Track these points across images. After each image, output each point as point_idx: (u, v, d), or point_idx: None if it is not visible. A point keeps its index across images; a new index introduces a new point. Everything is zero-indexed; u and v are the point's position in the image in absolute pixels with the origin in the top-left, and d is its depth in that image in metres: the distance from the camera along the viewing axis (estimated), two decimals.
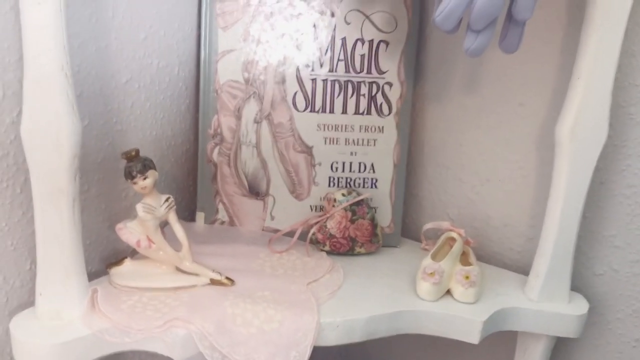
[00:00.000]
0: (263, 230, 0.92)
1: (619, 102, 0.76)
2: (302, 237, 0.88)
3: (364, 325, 0.71)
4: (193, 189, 0.96)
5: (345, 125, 0.91)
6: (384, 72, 0.90)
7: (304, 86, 0.89)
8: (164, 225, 0.75)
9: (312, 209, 0.93)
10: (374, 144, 0.92)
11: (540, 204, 0.85)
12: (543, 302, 0.78)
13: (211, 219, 0.92)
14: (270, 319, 0.68)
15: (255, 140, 0.90)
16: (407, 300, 0.76)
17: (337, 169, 0.92)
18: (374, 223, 0.88)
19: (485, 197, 0.92)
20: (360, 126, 0.91)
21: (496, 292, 0.80)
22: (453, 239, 0.84)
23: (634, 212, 0.79)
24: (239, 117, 0.89)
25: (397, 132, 0.92)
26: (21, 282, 0.70)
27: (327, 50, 0.88)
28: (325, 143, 0.91)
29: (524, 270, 0.88)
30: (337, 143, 0.91)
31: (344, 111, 0.90)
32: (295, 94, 0.89)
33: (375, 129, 0.92)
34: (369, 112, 0.91)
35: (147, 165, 0.69)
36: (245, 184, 0.91)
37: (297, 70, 0.88)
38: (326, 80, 0.89)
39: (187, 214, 0.96)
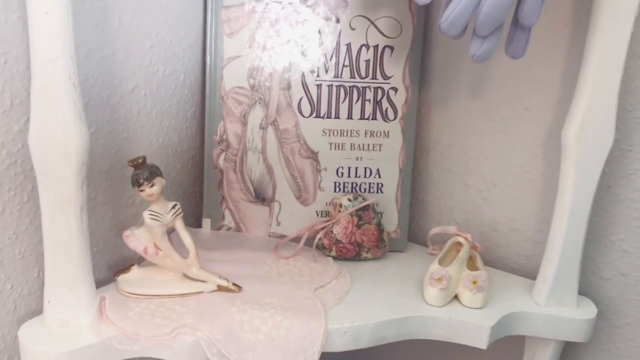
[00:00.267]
0: (269, 236, 0.92)
1: (625, 105, 0.76)
2: (309, 242, 0.88)
3: (372, 331, 0.71)
4: (199, 195, 0.96)
5: (351, 131, 0.91)
6: (389, 77, 0.90)
7: (309, 92, 0.89)
8: (170, 231, 0.75)
9: (318, 215, 0.93)
10: (380, 149, 0.92)
11: (547, 208, 0.85)
12: (551, 306, 0.78)
13: (217, 225, 0.92)
14: (278, 326, 0.68)
15: (261, 146, 0.90)
16: (414, 305, 0.76)
17: (342, 174, 0.92)
18: (380, 228, 0.88)
19: (492, 202, 0.92)
20: (365, 131, 0.91)
21: (504, 297, 0.79)
22: (460, 244, 0.84)
23: None
24: (244, 123, 0.89)
25: (403, 137, 0.92)
26: (29, 290, 0.70)
27: (332, 56, 0.88)
28: (331, 148, 0.91)
29: (531, 274, 0.87)
30: (342, 148, 0.91)
31: (350, 116, 0.90)
32: (301, 99, 0.89)
33: (380, 134, 0.92)
34: (374, 117, 0.91)
35: (153, 172, 0.69)
36: (251, 189, 0.91)
37: (303, 76, 0.88)
38: (331, 85, 0.89)
39: (193, 220, 0.96)
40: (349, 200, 0.87)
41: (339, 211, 0.87)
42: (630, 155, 0.77)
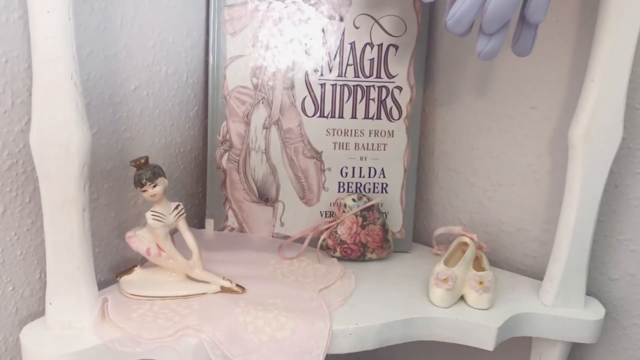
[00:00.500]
0: (273, 236, 0.92)
1: (633, 103, 0.75)
2: (313, 243, 0.87)
3: (377, 332, 0.71)
4: (202, 196, 0.95)
5: (355, 130, 0.90)
6: (393, 76, 0.89)
7: (312, 91, 0.88)
8: (173, 232, 0.74)
9: (322, 215, 0.92)
10: (384, 149, 0.91)
11: (553, 208, 0.84)
12: (558, 307, 0.77)
13: (221, 226, 0.91)
14: (282, 327, 0.67)
15: (265, 146, 0.89)
16: (420, 306, 0.75)
17: (347, 174, 0.92)
18: (384, 228, 0.87)
19: (498, 202, 0.91)
20: (370, 131, 0.90)
21: (510, 298, 0.79)
22: (465, 244, 0.83)
23: None
24: (247, 123, 0.88)
25: (407, 137, 0.91)
26: (31, 292, 0.70)
27: (336, 54, 0.88)
28: (335, 148, 0.90)
29: (538, 275, 0.87)
30: (346, 148, 0.91)
31: (354, 116, 0.90)
32: (304, 99, 0.88)
33: (385, 133, 0.91)
34: (378, 117, 0.90)
35: (156, 172, 0.69)
36: (255, 190, 0.91)
37: (306, 75, 0.88)
38: (335, 85, 0.88)
39: (196, 221, 0.95)
40: (354, 200, 0.87)
41: (344, 211, 0.86)
42: (638, 154, 0.76)
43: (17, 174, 0.65)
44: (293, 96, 0.88)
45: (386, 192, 0.93)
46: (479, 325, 0.72)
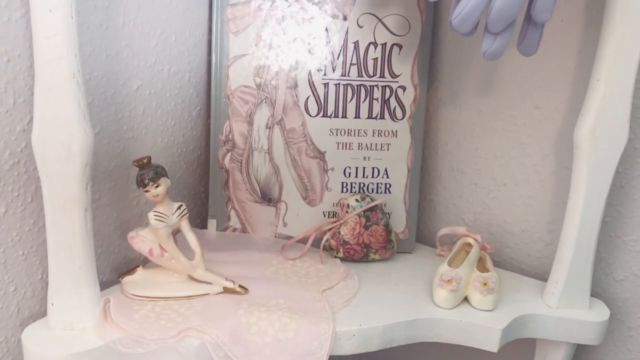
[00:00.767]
0: (275, 237, 0.91)
1: (639, 104, 0.74)
2: (316, 243, 0.87)
3: (381, 333, 0.70)
4: (205, 196, 0.95)
5: (358, 130, 0.90)
6: (397, 76, 0.89)
7: (316, 91, 0.88)
8: (176, 232, 0.74)
9: (325, 215, 0.92)
10: (388, 149, 0.91)
11: (558, 208, 0.83)
12: (563, 308, 0.76)
13: (223, 226, 0.91)
14: (285, 328, 0.67)
15: (267, 145, 0.89)
16: (423, 307, 0.75)
17: (350, 174, 0.91)
18: (388, 229, 0.87)
19: (502, 202, 0.90)
20: (373, 131, 0.90)
21: (514, 299, 0.78)
22: (469, 245, 0.83)
23: None
24: (250, 123, 0.88)
25: (411, 137, 0.91)
26: (32, 292, 0.70)
27: (339, 54, 0.87)
28: (338, 148, 0.90)
29: (542, 276, 0.86)
30: (350, 148, 0.90)
31: (357, 116, 0.89)
32: (308, 98, 0.88)
33: (388, 133, 0.90)
34: (382, 117, 0.90)
35: (159, 172, 0.69)
36: (257, 190, 0.90)
37: (309, 74, 0.87)
38: (339, 84, 0.88)
39: (198, 221, 0.95)
40: (357, 200, 0.86)
41: (347, 212, 0.86)
42: None
43: (19, 174, 0.65)
44: (296, 96, 0.88)
45: (389, 192, 0.92)
46: (483, 326, 0.72)
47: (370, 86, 0.88)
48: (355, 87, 0.88)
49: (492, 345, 0.72)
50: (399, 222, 0.93)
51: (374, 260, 0.88)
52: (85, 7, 0.67)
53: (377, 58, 0.88)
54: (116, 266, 0.80)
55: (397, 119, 0.90)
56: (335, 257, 0.87)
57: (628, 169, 0.77)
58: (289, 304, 0.72)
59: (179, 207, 0.72)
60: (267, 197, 0.90)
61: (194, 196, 0.94)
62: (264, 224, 0.91)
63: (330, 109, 0.89)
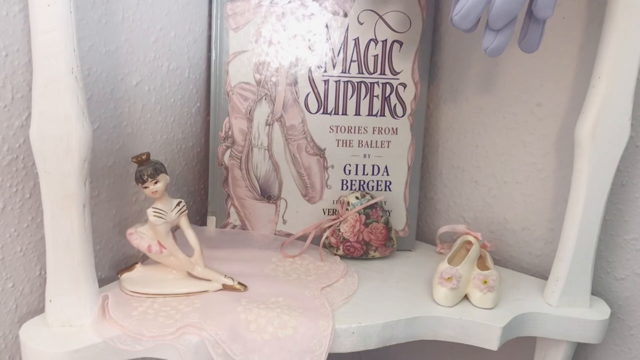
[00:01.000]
0: (275, 234, 0.91)
1: None
2: (315, 241, 0.87)
3: (380, 331, 0.70)
4: (204, 193, 0.95)
5: (359, 127, 0.89)
6: (397, 73, 0.88)
7: (316, 87, 0.87)
8: (175, 229, 0.74)
9: (325, 213, 0.91)
10: (388, 146, 0.90)
11: (559, 206, 0.83)
12: (563, 307, 0.76)
13: (223, 223, 0.91)
14: (285, 325, 0.67)
15: (267, 142, 0.88)
16: (423, 305, 0.74)
17: (350, 171, 0.91)
18: (388, 226, 0.87)
19: (502, 200, 0.90)
20: (373, 128, 0.90)
21: (514, 297, 0.78)
22: (470, 243, 0.83)
23: None
24: (250, 120, 0.87)
25: (412, 134, 0.90)
26: (31, 289, 0.69)
27: (339, 50, 0.87)
28: (338, 145, 0.90)
29: (542, 274, 0.86)
30: (350, 145, 0.90)
31: (357, 113, 0.89)
32: (308, 95, 0.87)
33: (389, 130, 0.90)
34: (382, 114, 0.89)
35: (158, 169, 0.68)
36: (257, 187, 0.90)
37: (309, 71, 0.87)
38: (339, 81, 0.88)
39: (198, 218, 0.95)
40: (357, 198, 0.86)
41: (347, 209, 0.86)
42: None
43: (17, 170, 0.65)
44: (296, 92, 0.87)
45: (390, 190, 0.92)
46: (483, 324, 0.72)
47: (370, 83, 0.88)
48: (356, 84, 0.88)
49: (492, 343, 0.72)
50: (399, 220, 0.92)
51: (373, 258, 0.88)
52: (84, 2, 0.67)
53: (377, 55, 0.88)
54: (115, 263, 0.79)
55: (398, 116, 0.90)
56: (335, 254, 0.87)
57: (629, 167, 0.77)
58: (288, 302, 0.71)
59: (178, 204, 0.72)
60: (267, 194, 0.90)
61: (193, 193, 0.93)
62: (263, 221, 0.91)
63: (331, 106, 0.88)
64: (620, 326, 0.82)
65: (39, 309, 0.69)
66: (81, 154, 0.59)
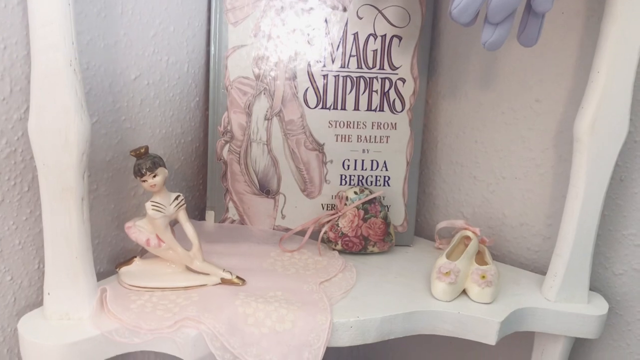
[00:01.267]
0: (274, 229, 0.91)
1: (639, 97, 0.74)
2: (314, 236, 0.87)
3: (378, 325, 0.70)
4: (203, 187, 0.95)
5: (357, 122, 0.89)
6: (396, 68, 0.88)
7: (315, 82, 0.87)
8: (173, 224, 0.74)
9: (323, 208, 0.91)
10: (387, 141, 0.90)
11: (557, 202, 0.83)
12: (561, 302, 0.76)
13: (221, 218, 0.91)
14: (283, 319, 0.67)
15: (266, 137, 0.88)
16: (422, 300, 0.74)
17: (349, 166, 0.91)
18: (386, 221, 0.87)
19: (501, 196, 0.90)
20: (372, 123, 0.90)
21: (513, 292, 0.78)
22: (468, 238, 0.83)
23: None
24: (249, 114, 0.87)
25: (410, 129, 0.90)
26: (29, 282, 0.69)
27: (339, 45, 0.87)
28: (337, 140, 0.90)
29: (541, 270, 0.86)
30: (349, 140, 0.90)
31: (356, 108, 0.89)
32: (307, 90, 0.87)
33: (387, 125, 0.90)
34: (381, 109, 0.89)
35: (156, 162, 0.68)
36: (256, 182, 0.90)
37: (309, 65, 0.87)
38: (338, 76, 0.88)
39: (196, 213, 0.95)
40: (355, 193, 0.86)
41: (345, 204, 0.86)
42: None
43: (15, 163, 0.65)
44: (295, 87, 0.87)
45: (388, 185, 0.92)
46: (481, 319, 0.72)
47: (369, 78, 0.88)
48: (355, 78, 0.88)
49: (490, 338, 0.72)
50: (398, 215, 0.92)
51: (372, 253, 0.88)
52: None
53: (376, 50, 0.88)
54: (113, 257, 0.79)
55: (397, 112, 0.90)
56: (334, 249, 0.87)
57: (628, 162, 0.77)
58: (287, 296, 0.71)
59: (177, 198, 0.71)
60: (266, 189, 0.90)
61: (192, 188, 0.93)
62: (262, 216, 0.91)
63: (330, 100, 0.88)
64: (618, 321, 0.82)
65: (38, 302, 0.69)
66: (79, 147, 0.59)
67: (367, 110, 0.89)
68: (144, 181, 0.68)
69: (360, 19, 0.86)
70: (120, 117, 0.76)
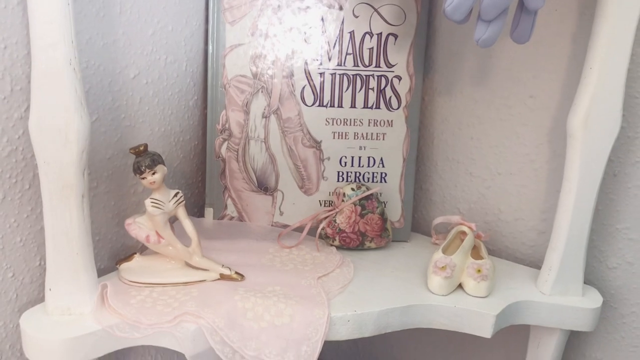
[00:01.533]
0: (272, 225, 0.92)
1: (632, 92, 0.75)
2: (312, 232, 0.87)
3: (375, 319, 0.71)
4: (201, 185, 0.96)
5: (354, 120, 0.90)
6: (392, 66, 0.89)
7: (312, 80, 0.88)
8: (173, 221, 0.74)
9: (321, 204, 0.92)
10: (383, 138, 0.91)
11: (552, 197, 0.84)
12: (556, 295, 0.77)
13: (220, 215, 0.92)
14: (281, 313, 0.68)
15: (264, 135, 0.89)
16: (418, 294, 0.75)
17: (346, 163, 0.92)
18: (383, 217, 0.88)
19: (496, 191, 0.91)
20: (369, 120, 0.90)
21: (508, 286, 0.79)
22: (464, 233, 0.84)
23: None
24: (247, 112, 0.88)
25: (407, 126, 0.91)
26: (31, 278, 0.70)
27: (335, 43, 0.88)
28: (334, 137, 0.90)
29: (536, 264, 0.87)
30: (346, 137, 0.91)
31: (353, 105, 0.90)
32: (304, 88, 0.88)
33: (384, 123, 0.91)
34: (378, 106, 0.90)
35: (155, 160, 0.69)
36: (254, 179, 0.91)
37: (305, 64, 0.88)
38: (334, 74, 0.88)
39: (195, 210, 0.96)
40: (353, 189, 0.87)
41: (343, 200, 0.87)
42: (636, 142, 0.76)
43: (16, 161, 0.65)
44: (292, 85, 0.88)
45: (385, 181, 0.93)
46: (477, 312, 0.73)
47: (366, 76, 0.89)
48: (351, 76, 0.89)
49: (486, 331, 0.73)
50: (395, 211, 0.93)
51: (369, 249, 0.89)
52: None
53: (372, 48, 0.88)
54: (113, 254, 0.80)
55: (393, 109, 0.91)
56: (331, 245, 0.88)
57: (621, 157, 0.78)
58: (285, 291, 0.72)
59: (176, 194, 0.72)
60: (264, 186, 0.91)
61: (191, 185, 0.94)
62: (260, 212, 0.92)
63: (326, 98, 0.89)
64: (612, 314, 0.83)
65: (39, 299, 0.70)
66: (79, 145, 0.60)
67: (364, 107, 0.90)
68: (143, 178, 0.69)
69: (356, 17, 0.87)
70: (120, 115, 0.77)
